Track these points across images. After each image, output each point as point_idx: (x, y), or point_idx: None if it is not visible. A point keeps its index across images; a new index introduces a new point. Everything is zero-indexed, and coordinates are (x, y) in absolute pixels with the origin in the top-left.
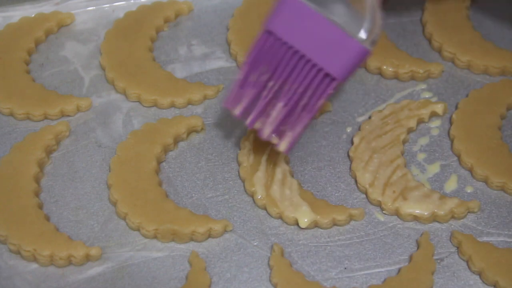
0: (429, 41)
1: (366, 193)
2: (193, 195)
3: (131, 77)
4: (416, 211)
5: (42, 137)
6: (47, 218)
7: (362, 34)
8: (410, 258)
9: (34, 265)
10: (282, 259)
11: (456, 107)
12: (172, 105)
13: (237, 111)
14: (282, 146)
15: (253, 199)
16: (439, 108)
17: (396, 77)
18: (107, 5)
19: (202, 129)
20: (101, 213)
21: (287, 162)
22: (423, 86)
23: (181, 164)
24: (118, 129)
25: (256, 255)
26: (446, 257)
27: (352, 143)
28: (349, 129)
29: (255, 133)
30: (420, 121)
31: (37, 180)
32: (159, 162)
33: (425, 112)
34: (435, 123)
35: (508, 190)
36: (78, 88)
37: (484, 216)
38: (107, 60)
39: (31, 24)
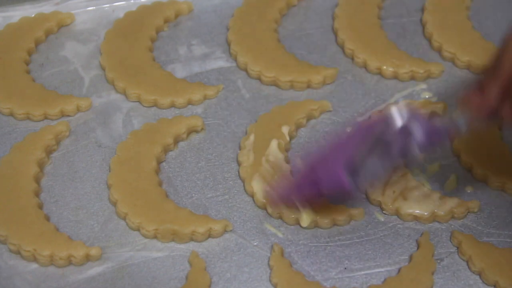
0: (429, 41)
1: (366, 193)
2: (193, 195)
3: (131, 77)
4: (416, 211)
5: (42, 137)
6: (47, 218)
7: None
8: (410, 258)
9: (34, 265)
10: (282, 259)
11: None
12: (172, 105)
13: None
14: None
15: (253, 199)
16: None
17: (396, 77)
18: (107, 5)
19: (202, 129)
20: (101, 213)
21: (288, 162)
22: (423, 86)
23: (181, 164)
24: (118, 129)
25: (256, 255)
26: (446, 257)
27: None
28: (349, 129)
29: (256, 133)
30: None
31: (37, 180)
32: (159, 162)
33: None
34: None
35: (508, 190)
36: (78, 88)
37: (484, 216)
38: (107, 60)
39: (31, 24)
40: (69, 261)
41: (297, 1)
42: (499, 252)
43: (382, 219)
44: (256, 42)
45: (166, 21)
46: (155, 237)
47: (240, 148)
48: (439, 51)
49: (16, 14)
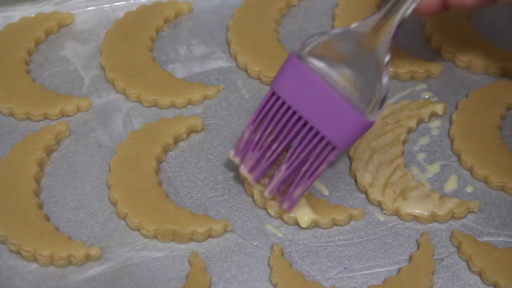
0: (429, 41)
1: (366, 193)
2: (193, 195)
3: (131, 77)
4: (416, 211)
5: (42, 137)
6: (47, 218)
7: (367, 104)
8: (410, 258)
9: (34, 265)
10: (282, 259)
11: (456, 107)
12: (172, 105)
13: (243, 169)
14: (285, 205)
15: (253, 199)
16: (439, 108)
17: (396, 77)
18: (107, 5)
19: (202, 129)
20: (101, 213)
21: None
22: (423, 86)
23: (181, 164)
24: (118, 129)
25: (256, 255)
26: (446, 257)
27: None
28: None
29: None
30: (420, 121)
31: (37, 180)
32: (159, 162)
33: (425, 112)
34: (435, 123)
35: (508, 190)
36: (78, 88)
37: (484, 216)
38: (107, 60)
39: (31, 24)
40: (69, 261)
41: (297, 1)
42: (499, 252)
43: (382, 219)
44: (256, 42)
45: (166, 21)
46: (155, 237)
47: None
48: (439, 51)
49: (16, 14)
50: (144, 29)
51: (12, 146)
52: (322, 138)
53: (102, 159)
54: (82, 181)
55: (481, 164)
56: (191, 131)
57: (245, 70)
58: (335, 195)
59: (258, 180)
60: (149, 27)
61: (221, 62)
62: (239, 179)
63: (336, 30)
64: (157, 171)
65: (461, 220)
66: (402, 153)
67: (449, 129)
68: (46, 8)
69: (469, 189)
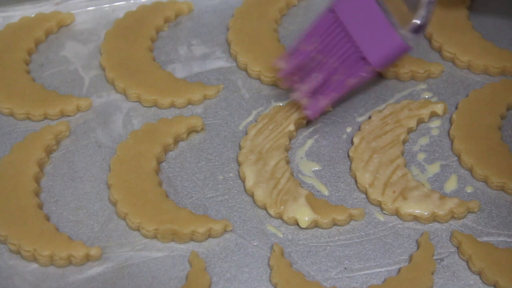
0: (429, 41)
1: (366, 193)
2: (193, 195)
3: (131, 77)
4: (416, 211)
5: (42, 137)
6: (47, 218)
7: (405, 27)
8: (410, 258)
9: (34, 265)
10: (282, 259)
11: (456, 107)
12: (172, 105)
13: (282, 71)
14: (309, 112)
15: (253, 199)
16: (439, 108)
17: (396, 77)
18: (107, 5)
19: (202, 129)
20: (101, 213)
21: (287, 162)
22: (423, 86)
23: (181, 164)
24: (118, 129)
25: (256, 255)
26: (446, 257)
27: (352, 143)
28: (349, 129)
29: (256, 133)
30: (420, 121)
31: (37, 180)
32: (159, 162)
33: (425, 112)
34: (435, 123)
35: (508, 190)
36: (78, 88)
37: (484, 216)
38: (107, 60)
39: (31, 24)
40: (69, 261)
41: (297, 1)
42: (499, 252)
43: (382, 219)
44: (256, 42)
45: (166, 21)
46: (155, 237)
47: (240, 148)
48: (439, 51)
49: (16, 14)
50: (144, 29)
51: (12, 146)
52: (359, 53)
53: (102, 159)
54: (82, 181)
55: (481, 164)
56: (191, 131)
57: (245, 70)
58: (335, 195)
59: (289, 84)
60: (149, 27)
61: (221, 62)
62: (239, 179)
63: None
64: (157, 171)
65: (461, 220)
66: (402, 153)
67: (449, 129)
68: (46, 8)
69: (469, 189)
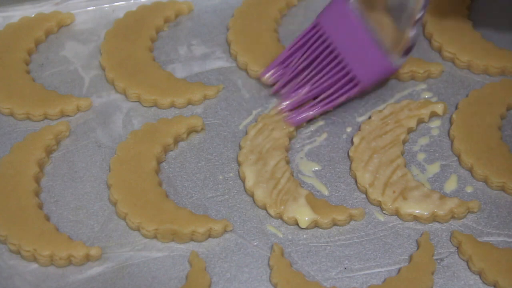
0: (429, 41)
1: (366, 193)
2: (193, 195)
3: (131, 77)
4: (416, 211)
5: (42, 137)
6: (47, 218)
7: (393, 49)
8: (410, 258)
9: (34, 265)
10: (282, 259)
11: (456, 107)
12: (172, 105)
13: (274, 87)
14: (290, 119)
15: (253, 199)
16: (439, 108)
17: (396, 77)
18: (107, 5)
19: (202, 129)
20: (101, 213)
21: (287, 162)
22: (423, 86)
23: (181, 164)
24: (118, 129)
25: (256, 255)
26: (446, 257)
27: (352, 143)
28: (349, 129)
29: (256, 133)
30: (420, 121)
31: (37, 180)
32: (159, 162)
33: (425, 112)
34: (435, 123)
35: (508, 190)
36: (78, 88)
37: (484, 216)
38: (107, 60)
39: (31, 24)
40: (69, 261)
41: (297, 1)
42: (499, 252)
43: (382, 219)
44: (256, 42)
45: (166, 21)
46: (155, 237)
47: (240, 148)
48: (439, 51)
49: (16, 14)
50: (144, 29)
51: (12, 146)
52: (348, 72)
53: (102, 159)
54: (82, 181)
55: (481, 164)
56: (191, 131)
57: (245, 70)
58: (335, 195)
59: (277, 91)
60: (149, 27)
61: (221, 62)
62: (239, 179)
63: None
64: (157, 171)
65: (461, 220)
66: (402, 153)
67: (449, 129)
68: (46, 8)
69: (469, 189)
